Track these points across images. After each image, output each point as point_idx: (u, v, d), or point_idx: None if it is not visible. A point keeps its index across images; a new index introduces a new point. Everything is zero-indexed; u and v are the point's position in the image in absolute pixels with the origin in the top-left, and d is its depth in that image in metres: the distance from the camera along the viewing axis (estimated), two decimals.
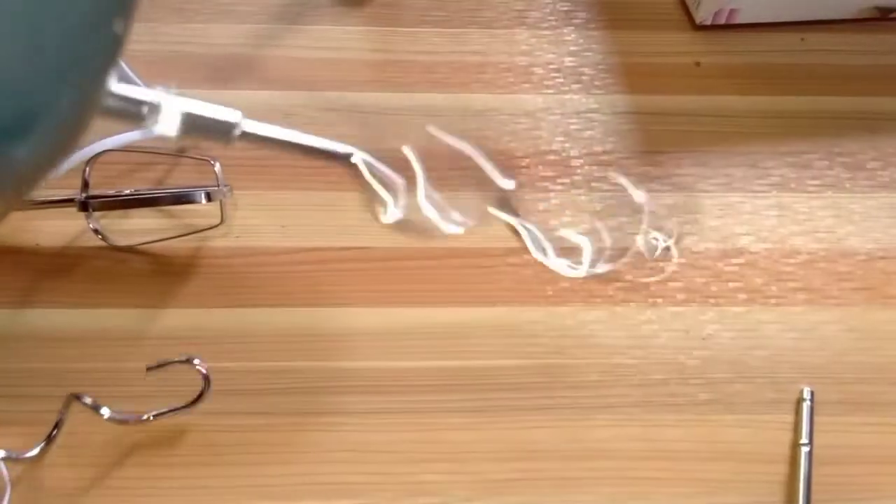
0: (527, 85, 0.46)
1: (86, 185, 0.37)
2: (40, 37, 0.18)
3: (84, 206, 0.37)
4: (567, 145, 0.44)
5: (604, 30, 0.49)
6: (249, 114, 0.43)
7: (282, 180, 0.41)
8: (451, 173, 0.29)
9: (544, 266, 0.39)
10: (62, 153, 0.22)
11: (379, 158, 0.30)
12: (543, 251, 0.32)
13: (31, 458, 0.33)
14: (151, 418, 0.33)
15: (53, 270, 0.38)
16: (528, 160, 0.43)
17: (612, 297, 0.38)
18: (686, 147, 0.44)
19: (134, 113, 0.25)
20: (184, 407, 0.33)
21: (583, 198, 0.42)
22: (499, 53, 0.47)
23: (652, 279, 0.39)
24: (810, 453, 0.34)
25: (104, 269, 0.38)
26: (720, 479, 0.34)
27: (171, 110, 0.26)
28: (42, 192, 0.38)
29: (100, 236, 0.38)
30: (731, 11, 0.48)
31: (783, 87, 0.46)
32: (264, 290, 0.38)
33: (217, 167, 0.38)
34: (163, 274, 0.38)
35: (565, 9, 0.50)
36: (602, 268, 0.34)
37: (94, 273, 0.38)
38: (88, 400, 0.32)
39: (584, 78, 0.46)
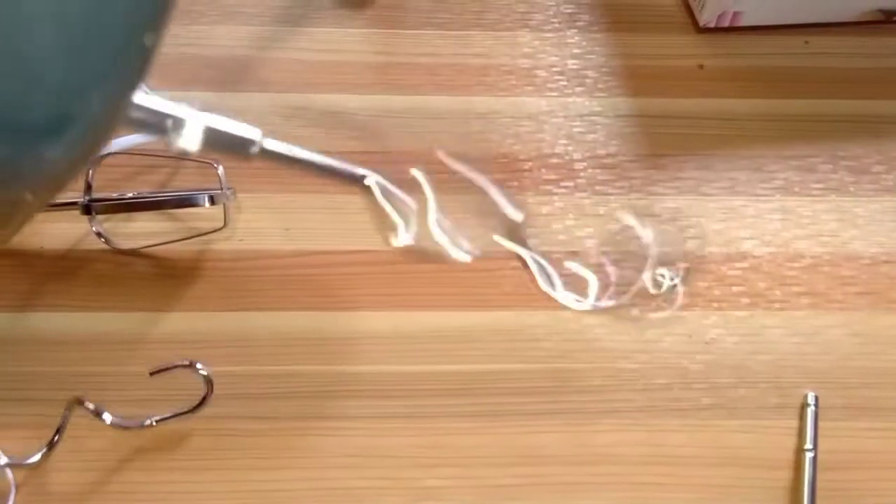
0: (530, 87, 0.46)
1: (89, 188, 0.37)
2: (82, 38, 0.19)
3: (87, 210, 0.37)
4: (570, 148, 0.44)
5: (607, 32, 0.49)
6: (252, 116, 0.43)
7: (286, 183, 0.41)
8: (460, 200, 0.29)
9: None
10: (87, 157, 0.23)
11: (392, 181, 0.30)
12: (551, 283, 0.33)
13: (34, 464, 0.33)
14: (154, 424, 0.33)
15: (57, 273, 0.38)
16: (530, 163, 0.43)
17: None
18: (689, 150, 0.44)
19: (158, 125, 0.26)
20: (186, 412, 0.33)
21: (586, 201, 0.42)
22: (502, 56, 0.47)
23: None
24: (815, 459, 0.34)
25: (107, 273, 0.38)
26: (724, 484, 0.34)
27: (194, 125, 0.26)
28: None
29: (103, 239, 0.38)
30: (735, 14, 0.48)
31: (787, 90, 0.46)
32: (268, 293, 0.38)
33: (220, 170, 0.38)
34: (166, 277, 0.38)
35: (569, 11, 0.49)
36: (607, 303, 0.34)
37: (98, 276, 0.38)
38: (91, 405, 0.32)
39: (587, 81, 0.46)
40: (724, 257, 0.40)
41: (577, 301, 0.34)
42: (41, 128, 0.19)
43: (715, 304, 0.39)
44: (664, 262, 0.36)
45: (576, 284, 0.35)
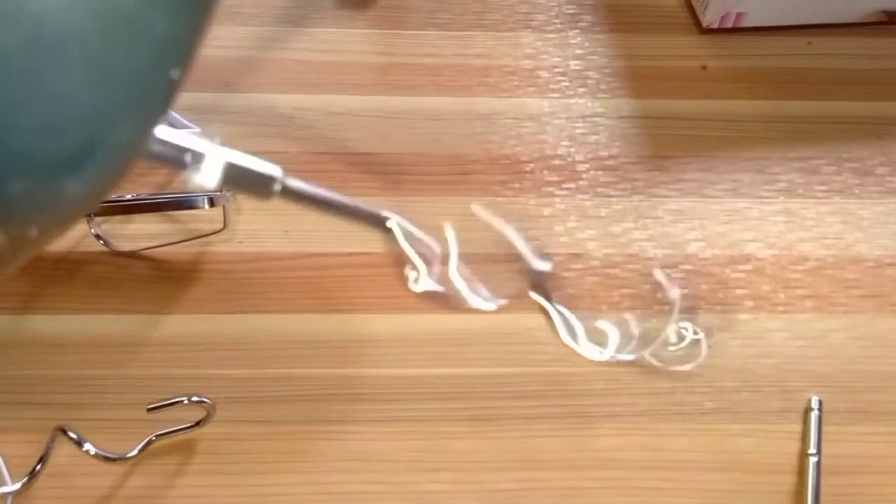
0: (532, 88, 0.46)
1: None
2: (108, 70, 0.19)
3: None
4: (572, 150, 0.43)
5: (610, 33, 0.48)
6: (252, 117, 0.43)
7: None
8: (486, 249, 0.30)
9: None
10: (108, 191, 0.22)
11: (414, 224, 0.29)
12: (573, 334, 0.33)
13: (15, 492, 0.31)
14: (137, 452, 0.32)
15: (55, 276, 0.38)
16: (532, 165, 0.43)
17: (618, 304, 0.38)
18: (692, 152, 0.44)
19: (177, 160, 0.25)
20: (181, 430, 0.33)
21: (588, 203, 0.41)
22: (504, 57, 0.47)
23: (657, 286, 0.39)
24: (818, 463, 0.34)
25: (106, 275, 0.38)
26: (726, 489, 0.34)
27: (214, 160, 0.26)
28: None
29: (101, 241, 0.38)
30: (738, 15, 0.48)
31: (790, 92, 0.46)
32: (267, 296, 0.38)
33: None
34: (165, 279, 0.38)
35: (571, 12, 0.49)
36: (628, 356, 0.34)
37: (96, 279, 0.38)
38: (73, 435, 0.31)
39: (589, 82, 0.46)
40: (728, 260, 0.40)
41: (600, 353, 0.34)
42: (64, 160, 0.19)
43: (718, 307, 0.38)
44: (688, 315, 0.36)
45: (597, 334, 0.34)
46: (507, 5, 0.49)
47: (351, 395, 0.35)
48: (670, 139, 0.44)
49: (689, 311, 0.37)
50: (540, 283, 0.33)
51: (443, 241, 0.30)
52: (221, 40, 0.46)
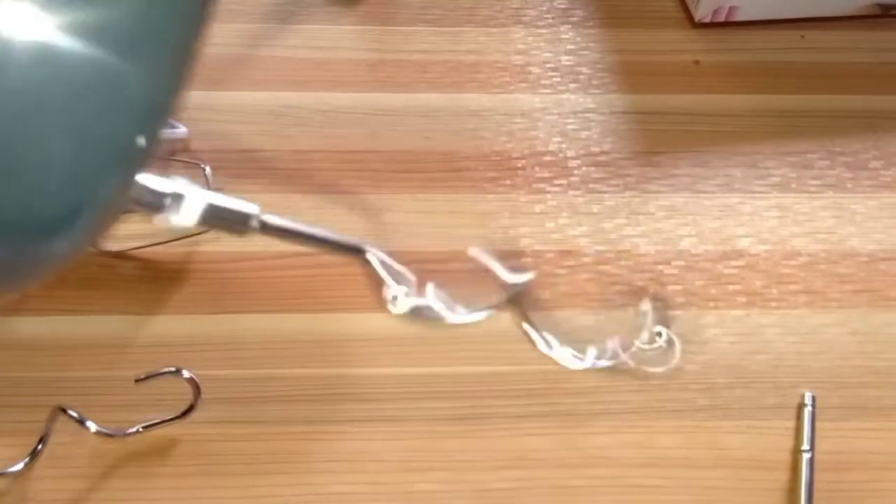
0: (523, 84, 0.45)
1: None
2: (89, 134, 0.20)
3: None
4: (564, 146, 0.43)
5: (601, 28, 0.48)
6: (241, 115, 0.43)
7: (273, 183, 0.40)
8: (461, 271, 0.30)
9: (541, 270, 0.39)
10: (93, 244, 0.23)
11: (391, 255, 0.31)
12: (548, 344, 0.34)
13: (16, 473, 0.32)
14: (140, 431, 0.32)
15: None
16: (524, 161, 0.42)
17: (610, 302, 0.38)
18: (685, 147, 0.43)
19: (157, 204, 0.26)
20: (174, 419, 0.32)
21: (580, 199, 0.41)
22: (495, 52, 0.46)
23: (650, 282, 0.38)
24: (812, 460, 0.34)
25: (93, 276, 0.38)
26: (720, 486, 0.34)
27: (193, 202, 0.27)
28: None
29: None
30: (731, 9, 0.47)
31: (783, 86, 0.46)
32: (255, 295, 0.37)
33: (207, 171, 0.38)
34: (153, 280, 0.38)
35: (562, 7, 0.49)
36: (604, 362, 0.35)
37: (84, 279, 0.37)
38: (74, 413, 0.32)
39: (581, 77, 0.46)
40: (721, 255, 0.40)
41: (576, 359, 0.34)
42: (51, 225, 0.20)
43: (711, 304, 0.38)
44: (661, 322, 0.36)
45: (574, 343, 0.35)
46: (498, 0, 0.49)
47: (340, 395, 0.35)
48: (662, 134, 0.44)
49: (664, 315, 0.37)
50: (516, 296, 0.34)
51: (417, 268, 0.31)
52: (210, 38, 0.46)
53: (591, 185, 0.42)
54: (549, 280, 0.38)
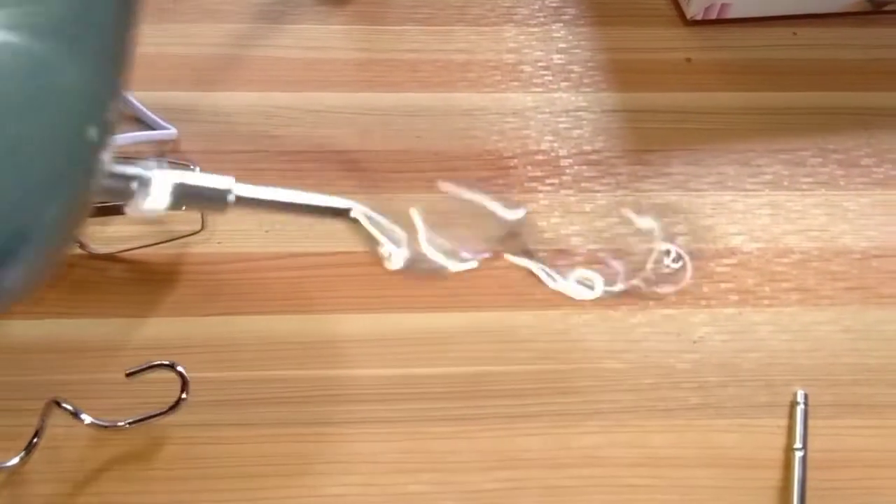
0: (515, 83, 0.45)
1: None
2: (19, 156, 0.18)
3: None
4: (556, 145, 0.43)
5: (593, 26, 0.48)
6: (231, 116, 0.43)
7: (266, 183, 0.40)
8: (453, 213, 0.30)
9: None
10: (51, 268, 0.21)
11: (378, 211, 0.30)
12: (553, 279, 0.33)
13: (13, 468, 0.32)
14: (129, 425, 0.32)
15: None
16: (516, 160, 0.42)
17: (602, 301, 0.38)
18: (677, 145, 0.43)
19: (124, 189, 0.25)
20: (160, 413, 0.32)
21: (572, 198, 0.41)
22: (486, 51, 0.46)
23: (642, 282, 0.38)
24: (804, 458, 0.34)
25: (84, 278, 0.37)
26: (712, 485, 0.34)
27: (161, 184, 0.26)
28: None
29: (78, 245, 0.37)
30: (723, 6, 0.47)
31: (775, 83, 0.46)
32: (247, 297, 0.37)
33: (197, 172, 0.38)
34: (143, 282, 0.38)
35: (554, 5, 0.49)
36: (618, 287, 0.34)
37: (74, 282, 0.37)
38: (69, 406, 0.32)
39: (573, 75, 0.46)
40: (713, 253, 0.40)
41: (590, 292, 0.33)
42: None
43: (703, 302, 0.38)
44: (668, 239, 0.35)
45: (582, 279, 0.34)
46: None
47: (332, 397, 0.35)
48: (654, 133, 0.44)
49: (667, 236, 0.36)
50: (515, 232, 0.33)
51: (409, 222, 0.30)
52: (199, 38, 0.46)
53: (583, 184, 0.42)
54: (540, 279, 0.38)
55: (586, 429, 0.34)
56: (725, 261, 0.39)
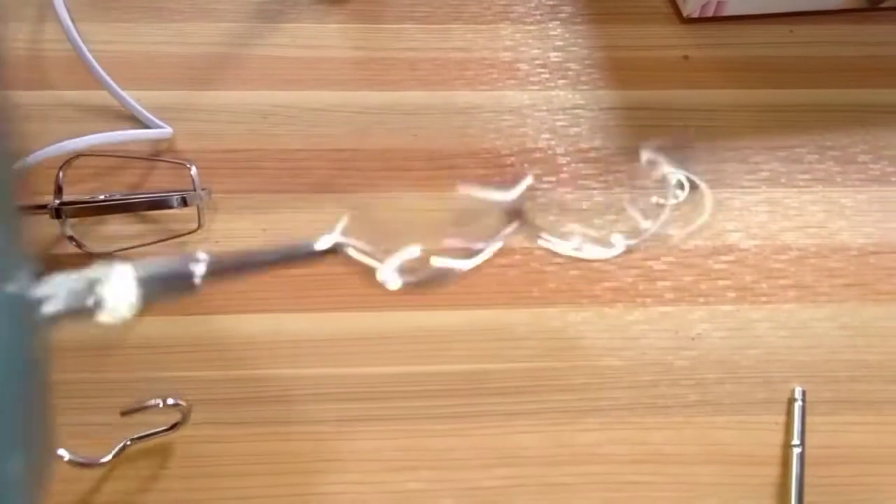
0: (512, 81, 0.45)
1: (59, 190, 0.36)
2: None
3: (58, 213, 0.36)
4: (553, 143, 0.43)
5: (590, 24, 0.48)
6: (228, 115, 0.43)
7: (263, 182, 0.40)
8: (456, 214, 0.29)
9: (530, 267, 0.38)
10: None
11: (374, 211, 0.29)
12: (572, 247, 0.32)
13: None
14: (110, 458, 0.32)
15: None
16: (513, 158, 0.42)
17: (600, 298, 0.38)
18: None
19: (79, 307, 0.22)
20: (159, 432, 0.32)
21: (569, 196, 0.41)
22: (483, 49, 0.46)
23: (640, 278, 0.38)
24: (802, 454, 0.34)
25: None
26: (710, 482, 0.34)
27: (120, 285, 0.23)
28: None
29: (75, 243, 0.37)
30: (719, 4, 0.47)
31: (772, 80, 0.46)
32: (241, 295, 0.37)
33: (193, 171, 0.38)
34: None
35: (550, 3, 0.49)
36: (636, 241, 0.33)
37: None
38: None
39: (570, 73, 0.46)
40: (710, 250, 0.40)
41: (610, 250, 0.32)
42: None
43: (701, 299, 0.38)
44: (680, 166, 0.35)
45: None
46: None
47: (328, 395, 0.35)
48: (652, 130, 0.44)
49: (680, 157, 0.35)
50: (516, 211, 0.32)
51: (395, 237, 0.30)
52: (195, 37, 0.46)
53: (580, 182, 0.42)
54: (538, 277, 0.38)
55: (584, 426, 0.34)
56: (723, 258, 0.39)
